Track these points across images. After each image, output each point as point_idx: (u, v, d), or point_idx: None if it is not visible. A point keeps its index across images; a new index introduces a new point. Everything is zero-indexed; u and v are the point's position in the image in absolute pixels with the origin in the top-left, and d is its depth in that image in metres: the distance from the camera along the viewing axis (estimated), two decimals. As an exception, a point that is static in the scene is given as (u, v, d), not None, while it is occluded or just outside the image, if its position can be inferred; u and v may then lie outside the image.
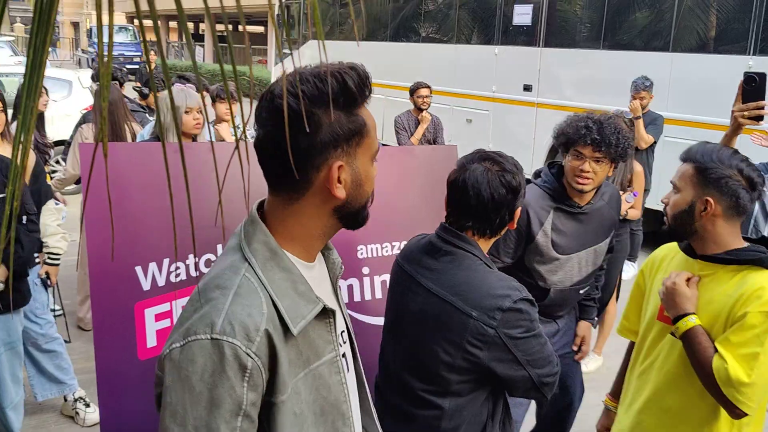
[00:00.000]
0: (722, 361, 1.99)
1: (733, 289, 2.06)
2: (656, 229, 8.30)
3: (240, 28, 39.55)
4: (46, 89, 5.72)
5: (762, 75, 2.59)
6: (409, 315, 2.09)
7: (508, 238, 2.87)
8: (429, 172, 2.96)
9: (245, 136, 1.16)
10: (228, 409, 1.19)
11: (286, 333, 1.27)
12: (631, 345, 2.57)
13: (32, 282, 3.87)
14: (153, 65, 13.06)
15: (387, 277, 2.85)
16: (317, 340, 1.36)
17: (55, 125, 8.00)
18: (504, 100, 9.82)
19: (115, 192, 2.30)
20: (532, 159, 9.15)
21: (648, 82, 6.57)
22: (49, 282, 4.15)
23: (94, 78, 6.78)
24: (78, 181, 5.26)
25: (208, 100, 5.71)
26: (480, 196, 2.03)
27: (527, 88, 9.52)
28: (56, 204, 4.42)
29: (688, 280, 2.15)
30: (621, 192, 4.27)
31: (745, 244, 2.13)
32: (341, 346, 1.46)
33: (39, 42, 0.89)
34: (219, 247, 2.49)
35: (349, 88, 1.28)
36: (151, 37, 38.70)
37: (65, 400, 4.23)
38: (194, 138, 4.01)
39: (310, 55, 16.21)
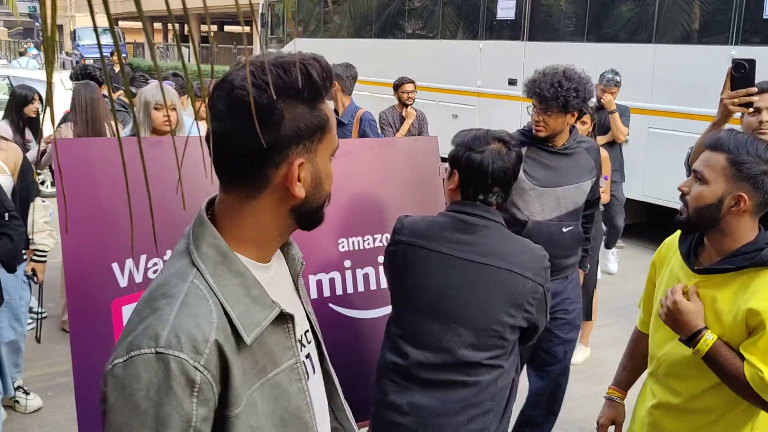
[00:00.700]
0: (755, 369, 1.90)
1: (739, 293, 1.97)
2: (642, 221, 8.32)
3: (225, 28, 39.51)
4: (40, 96, 5.68)
5: (751, 61, 2.56)
6: (453, 290, 2.20)
7: None
8: (410, 163, 2.94)
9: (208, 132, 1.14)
10: (176, 427, 1.10)
11: (239, 342, 1.18)
12: (635, 334, 2.50)
13: (20, 279, 3.88)
14: (117, 67, 13.02)
15: (369, 270, 2.83)
16: (274, 347, 1.27)
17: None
18: (489, 95, 9.82)
19: (90, 188, 2.28)
20: (518, 153, 9.14)
21: (618, 77, 6.58)
22: (35, 279, 4.15)
23: (73, 77, 6.73)
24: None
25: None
26: (504, 173, 2.24)
27: (512, 82, 9.52)
28: (43, 201, 4.42)
29: (684, 291, 2.05)
30: None
31: (756, 234, 2.01)
32: (305, 347, 1.40)
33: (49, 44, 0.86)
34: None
35: (314, 81, 1.19)
36: (137, 38, 38.47)
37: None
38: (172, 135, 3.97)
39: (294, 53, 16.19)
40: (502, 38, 9.85)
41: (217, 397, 1.15)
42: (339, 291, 2.76)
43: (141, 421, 1.09)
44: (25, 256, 4.00)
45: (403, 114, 6.93)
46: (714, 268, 2.02)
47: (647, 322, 2.40)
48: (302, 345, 1.38)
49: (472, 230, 2.23)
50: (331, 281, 2.74)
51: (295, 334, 1.31)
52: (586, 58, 8.61)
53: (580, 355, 5.07)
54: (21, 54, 22.70)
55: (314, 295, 2.67)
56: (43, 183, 9.30)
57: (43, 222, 4.16)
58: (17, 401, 4.22)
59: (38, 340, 4.75)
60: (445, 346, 2.20)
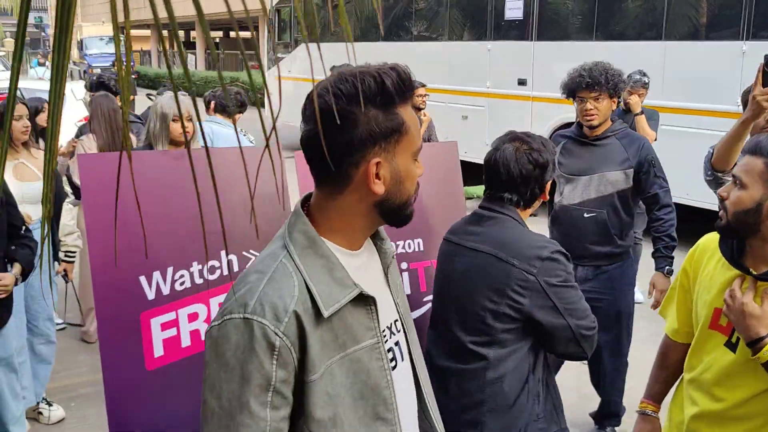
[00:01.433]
0: None
1: None
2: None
3: (231, 34, 39.55)
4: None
5: None
6: (455, 274, 2.31)
7: None
8: (432, 169, 2.94)
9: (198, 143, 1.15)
10: (257, 384, 1.27)
11: (318, 316, 1.32)
12: (665, 343, 2.42)
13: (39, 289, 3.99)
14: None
15: (405, 275, 2.87)
16: (355, 325, 1.40)
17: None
18: (499, 95, 9.81)
19: (114, 202, 2.29)
20: (529, 153, 9.13)
21: (646, 78, 6.23)
22: (67, 278, 4.38)
23: (88, 87, 6.82)
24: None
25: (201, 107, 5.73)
26: (510, 171, 2.29)
27: (522, 82, 9.51)
28: (69, 204, 4.56)
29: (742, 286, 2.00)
30: None
31: None
32: (394, 335, 1.53)
33: (61, 48, 0.90)
34: (222, 253, 2.48)
35: (387, 89, 1.32)
36: (143, 46, 38.63)
37: None
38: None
39: (303, 57, 16.06)
40: (510, 38, 9.84)
41: (296, 363, 1.31)
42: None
43: (229, 376, 1.28)
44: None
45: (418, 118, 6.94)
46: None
47: (682, 331, 2.33)
48: (391, 333, 1.52)
49: (482, 222, 2.34)
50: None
51: (378, 316, 1.44)
52: (595, 57, 8.58)
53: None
54: (40, 64, 23.01)
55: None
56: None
57: (73, 224, 4.31)
58: (40, 412, 4.25)
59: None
60: (446, 328, 2.32)
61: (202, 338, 2.44)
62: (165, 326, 2.36)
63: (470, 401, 2.26)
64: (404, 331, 1.60)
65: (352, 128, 1.31)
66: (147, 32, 37.75)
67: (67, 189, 4.81)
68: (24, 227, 3.51)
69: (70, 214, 4.33)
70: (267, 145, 1.06)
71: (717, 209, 2.09)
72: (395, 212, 1.42)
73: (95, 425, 4.12)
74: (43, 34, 52.59)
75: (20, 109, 4.07)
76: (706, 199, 6.82)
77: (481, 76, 10.21)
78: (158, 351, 2.35)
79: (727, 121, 6.66)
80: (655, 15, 8.02)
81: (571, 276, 2.26)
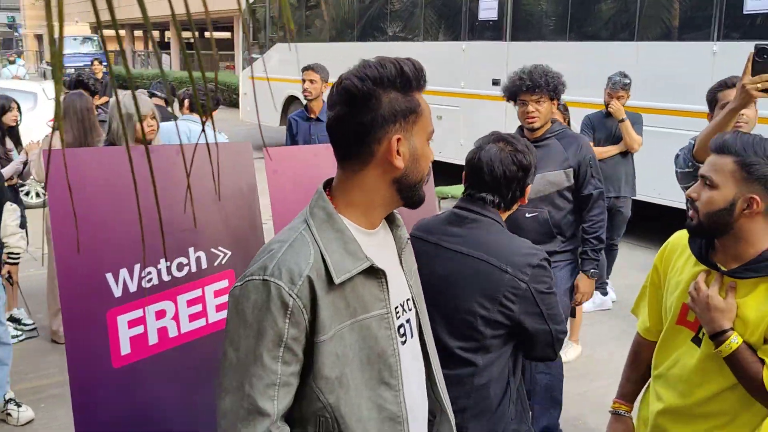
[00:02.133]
0: None
1: (762, 299, 1.96)
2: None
3: (206, 34, 39.28)
4: (18, 104, 5.78)
5: None
6: (438, 279, 2.25)
7: None
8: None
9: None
10: (270, 339, 1.43)
11: (330, 283, 1.46)
12: (637, 342, 2.43)
13: None
14: (100, 74, 12.97)
15: None
16: (366, 295, 1.53)
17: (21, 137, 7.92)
18: (474, 96, 9.84)
19: (81, 198, 2.26)
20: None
21: (627, 79, 6.06)
22: (11, 280, 4.31)
23: (67, 86, 6.76)
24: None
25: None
26: (493, 172, 2.28)
27: (496, 82, 9.55)
28: (11, 205, 4.49)
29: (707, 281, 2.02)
30: None
31: None
32: (405, 312, 1.66)
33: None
34: (191, 250, 2.45)
35: (405, 73, 1.50)
36: (114, 46, 38.26)
37: None
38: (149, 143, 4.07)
39: (278, 58, 16.02)
40: (484, 39, 9.88)
41: (307, 324, 1.45)
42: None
43: (247, 332, 1.44)
44: None
45: None
46: (739, 274, 1.99)
47: (654, 329, 2.34)
48: (404, 310, 1.66)
49: (463, 223, 2.29)
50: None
51: (388, 289, 1.58)
52: (569, 57, 8.68)
53: (571, 353, 5.10)
54: (11, 62, 22.87)
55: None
56: (28, 194, 9.25)
57: (15, 225, 4.22)
58: (9, 414, 4.19)
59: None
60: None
61: (170, 336, 2.43)
62: (132, 324, 2.33)
63: (455, 408, 2.18)
64: (416, 311, 1.72)
65: (376, 107, 1.47)
66: (122, 32, 37.38)
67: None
68: None
69: (13, 215, 4.24)
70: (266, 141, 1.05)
71: (686, 208, 2.10)
72: (412, 189, 1.56)
73: (64, 425, 4.06)
74: (16, 33, 51.94)
75: None
76: (676, 198, 6.89)
77: (456, 77, 10.24)
78: (125, 349, 2.32)
79: (698, 120, 6.73)
80: (628, 16, 8.09)
81: (553, 281, 2.28)
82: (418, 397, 1.70)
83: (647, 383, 2.39)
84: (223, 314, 2.52)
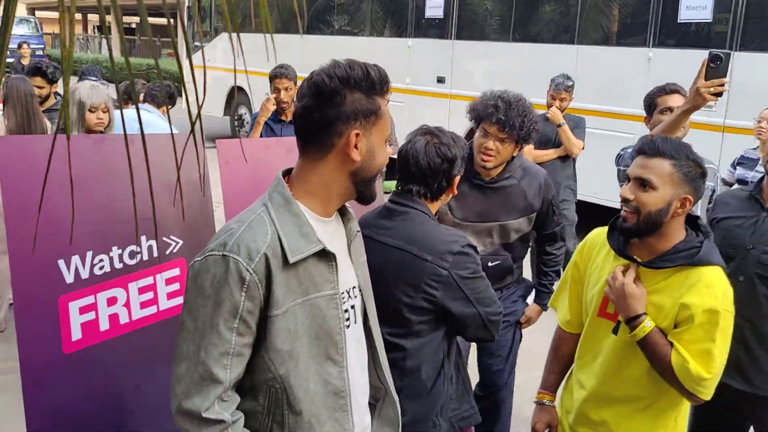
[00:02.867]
0: (681, 358, 2.05)
1: (674, 288, 2.11)
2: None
3: (149, 20, 38.21)
4: None
5: (726, 54, 2.74)
6: (370, 270, 2.28)
7: None
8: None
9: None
10: (227, 309, 1.52)
11: (286, 262, 1.56)
12: (558, 336, 2.57)
13: None
14: (27, 59, 12.43)
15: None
16: (317, 276, 1.64)
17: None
18: (418, 92, 9.96)
19: (32, 186, 2.28)
20: (446, 149, 9.29)
21: (570, 82, 6.05)
22: None
23: (15, 71, 6.59)
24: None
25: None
26: (419, 163, 2.35)
27: (440, 80, 9.69)
28: None
29: (624, 272, 2.17)
30: None
31: (684, 235, 2.16)
32: (351, 299, 1.77)
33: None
34: (143, 238, 2.50)
35: (371, 77, 1.61)
36: (54, 29, 37.16)
37: None
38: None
39: (222, 47, 15.75)
40: (430, 36, 10.01)
41: (262, 298, 1.55)
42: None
43: (205, 302, 1.53)
44: None
45: None
46: (656, 265, 2.15)
47: (574, 322, 2.48)
48: (349, 296, 1.76)
49: (393, 216, 2.37)
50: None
51: (338, 271, 1.69)
52: (512, 58, 8.88)
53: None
54: None
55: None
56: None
57: None
58: None
59: None
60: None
61: (121, 322, 2.47)
62: (83, 310, 2.36)
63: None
64: (362, 299, 1.83)
65: (341, 104, 1.58)
66: (57, 14, 36.26)
67: None
68: None
69: None
70: (192, 132, 1.13)
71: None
72: (365, 184, 1.68)
73: (10, 414, 4.01)
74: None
75: None
76: (611, 198, 7.14)
77: (401, 73, 10.35)
78: (76, 334, 2.35)
79: (633, 123, 7.00)
80: (569, 19, 8.32)
81: (480, 267, 2.34)
82: (360, 379, 1.81)
83: (569, 372, 2.55)
84: (174, 302, 2.57)
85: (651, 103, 3.48)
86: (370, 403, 1.90)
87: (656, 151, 2.10)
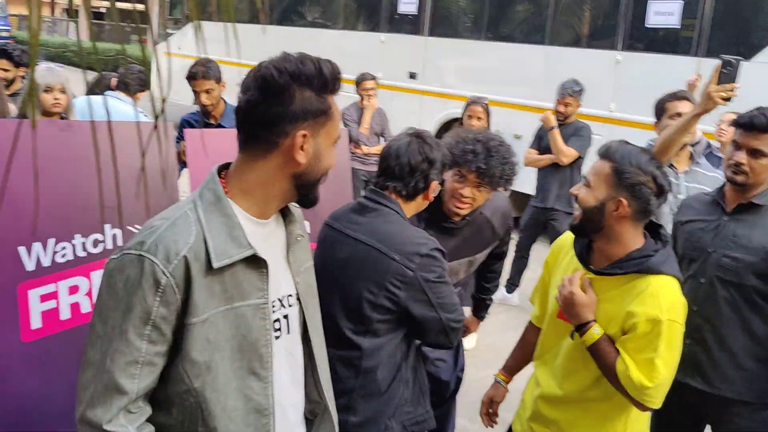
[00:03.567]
0: (624, 366, 2.09)
1: (624, 295, 2.16)
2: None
3: (117, 5, 37.68)
4: None
5: (737, 60, 2.81)
6: (335, 262, 2.32)
7: None
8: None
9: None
10: (138, 315, 1.40)
11: (209, 266, 1.44)
12: (528, 327, 2.69)
13: None
14: None
15: None
16: (245, 283, 1.52)
17: None
18: (390, 87, 9.95)
19: (-5, 171, 2.23)
20: (416, 145, 9.32)
21: (577, 87, 5.90)
22: None
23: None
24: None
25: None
26: (399, 159, 2.37)
27: (412, 75, 9.70)
28: None
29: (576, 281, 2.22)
30: None
31: (642, 242, 2.20)
32: (285, 308, 1.64)
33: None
34: (107, 227, 2.47)
35: (324, 75, 1.50)
36: (20, 10, 36.40)
37: None
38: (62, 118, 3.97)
39: (193, 36, 15.60)
40: (403, 32, 10.00)
41: (179, 304, 1.43)
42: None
43: (115, 305, 1.41)
44: None
45: (359, 106, 6.96)
46: (606, 271, 2.20)
47: (541, 317, 2.57)
48: (282, 305, 1.63)
49: (365, 212, 2.38)
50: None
51: (269, 280, 1.56)
52: (483, 56, 8.92)
53: (471, 340, 5.31)
54: None
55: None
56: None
57: None
58: None
59: None
60: (329, 313, 2.23)
61: (83, 311, 2.43)
62: (44, 298, 2.33)
63: (344, 387, 2.28)
64: (300, 308, 1.70)
65: (289, 102, 1.47)
66: (25, -4, 35.45)
67: None
68: None
69: None
70: (156, 120, 1.12)
71: None
72: (308, 187, 1.57)
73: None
74: None
75: None
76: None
77: (373, 67, 10.32)
78: (36, 323, 2.31)
79: (600, 125, 7.08)
80: (541, 20, 8.39)
81: (446, 272, 2.33)
82: (291, 394, 1.69)
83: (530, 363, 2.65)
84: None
85: (661, 108, 3.65)
86: (307, 419, 1.79)
87: (605, 153, 2.20)
